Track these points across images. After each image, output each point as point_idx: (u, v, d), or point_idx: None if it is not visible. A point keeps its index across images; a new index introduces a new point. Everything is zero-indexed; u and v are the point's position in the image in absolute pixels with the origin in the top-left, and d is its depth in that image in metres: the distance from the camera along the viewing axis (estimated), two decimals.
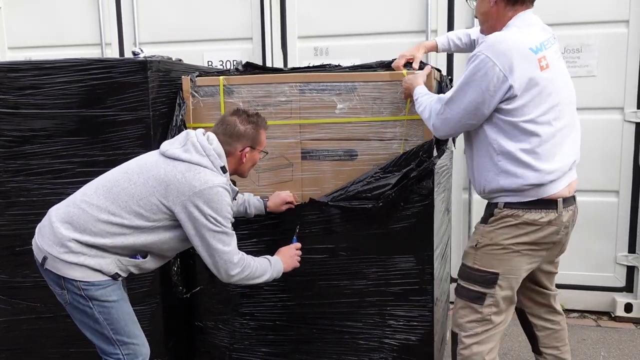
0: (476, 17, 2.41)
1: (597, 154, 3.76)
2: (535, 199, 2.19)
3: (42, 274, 2.20)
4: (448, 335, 3.53)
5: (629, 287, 3.94)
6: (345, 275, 2.69)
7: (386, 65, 2.68)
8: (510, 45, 2.08)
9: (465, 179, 4.03)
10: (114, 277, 2.15)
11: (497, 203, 2.26)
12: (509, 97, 2.09)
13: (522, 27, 2.18)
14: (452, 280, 4.09)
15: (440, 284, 2.90)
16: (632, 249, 3.90)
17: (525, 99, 2.09)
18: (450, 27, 3.95)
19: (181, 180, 2.08)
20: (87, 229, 2.08)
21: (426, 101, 2.32)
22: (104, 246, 2.09)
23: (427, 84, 2.50)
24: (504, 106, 2.12)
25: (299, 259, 2.45)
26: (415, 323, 2.65)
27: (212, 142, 2.19)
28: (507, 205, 2.22)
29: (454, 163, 3.70)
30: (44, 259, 2.11)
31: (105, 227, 2.08)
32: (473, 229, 2.42)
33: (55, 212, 2.17)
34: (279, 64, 4.22)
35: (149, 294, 2.74)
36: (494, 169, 2.21)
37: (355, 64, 2.81)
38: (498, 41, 2.10)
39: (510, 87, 2.07)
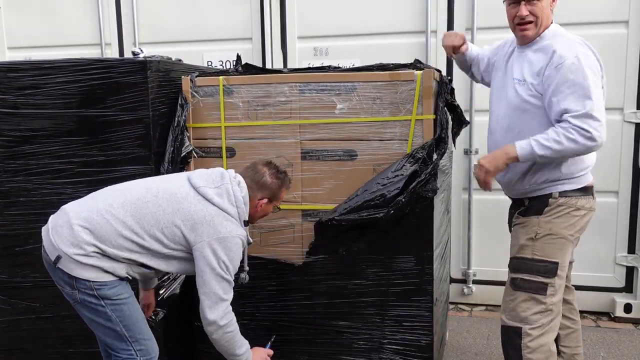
0: (525, 23, 2.37)
1: (597, 154, 3.75)
2: (584, 185, 2.37)
3: (50, 272, 2.20)
4: (447, 335, 3.53)
5: (628, 288, 3.94)
6: (345, 276, 2.69)
7: (386, 68, 2.67)
8: (587, 44, 2.33)
9: (465, 178, 4.03)
10: (123, 278, 2.20)
11: (550, 193, 2.36)
12: None
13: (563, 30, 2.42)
14: (452, 280, 4.10)
15: (440, 284, 2.90)
16: (631, 250, 3.90)
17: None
18: (450, 27, 3.95)
19: (210, 222, 2.16)
20: (108, 240, 2.12)
21: (551, 141, 2.25)
22: (119, 257, 2.14)
23: (427, 85, 2.50)
24: None
25: None
26: (414, 323, 2.64)
27: (242, 191, 2.27)
28: (562, 194, 2.34)
29: (454, 163, 3.70)
30: (58, 258, 2.11)
31: (124, 243, 2.13)
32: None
33: (75, 214, 2.16)
34: (278, 64, 4.22)
35: None
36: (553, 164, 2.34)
37: (355, 64, 2.81)
38: (580, 43, 2.32)
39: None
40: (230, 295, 2.21)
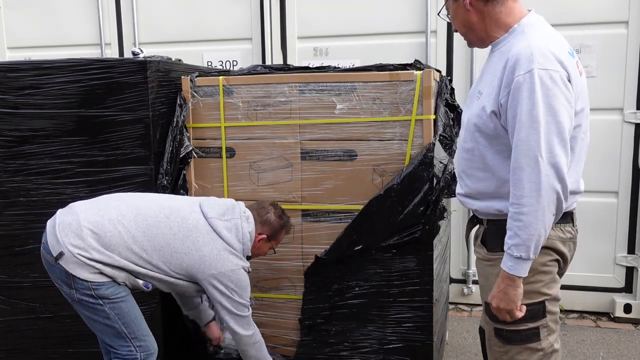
0: (455, 32, 2.05)
1: (597, 155, 3.76)
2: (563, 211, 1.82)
3: (48, 270, 2.20)
4: (447, 335, 3.53)
5: (628, 288, 3.94)
6: (345, 276, 2.69)
7: (385, 68, 2.67)
8: (552, 49, 1.75)
9: None
10: (121, 283, 2.22)
11: None
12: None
13: (539, 25, 1.86)
14: (452, 280, 4.10)
15: (440, 284, 2.90)
16: (631, 250, 3.90)
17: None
18: (450, 27, 3.94)
19: (216, 257, 2.22)
20: (116, 250, 2.14)
21: (515, 225, 1.74)
22: (123, 267, 2.16)
23: (427, 85, 2.50)
24: None
25: None
26: (414, 323, 2.64)
27: (250, 226, 2.34)
28: None
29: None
30: (60, 254, 2.11)
31: (132, 257, 2.16)
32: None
33: (85, 216, 2.17)
34: (278, 64, 4.22)
35: (148, 294, 2.73)
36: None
37: (355, 64, 2.81)
38: (537, 47, 1.73)
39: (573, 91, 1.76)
40: (249, 314, 2.33)
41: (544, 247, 1.81)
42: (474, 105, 1.93)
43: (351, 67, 2.78)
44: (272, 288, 2.82)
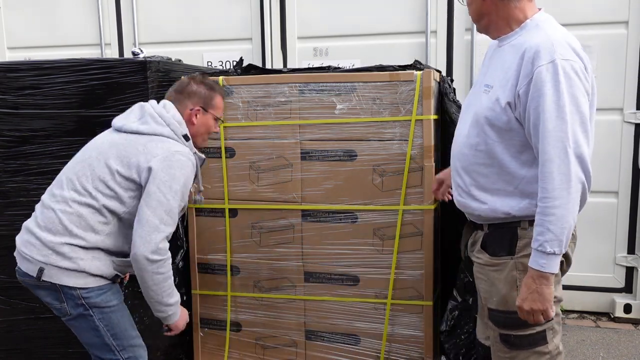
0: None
1: (597, 155, 3.72)
2: None
3: (37, 294, 2.13)
4: None
5: (628, 288, 3.94)
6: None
7: (385, 69, 2.67)
8: (569, 41, 1.77)
9: None
10: (114, 279, 2.13)
11: (518, 222, 1.87)
12: None
13: (552, 22, 1.88)
14: None
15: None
16: (631, 250, 3.90)
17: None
18: (450, 28, 3.96)
19: (143, 152, 2.01)
20: (66, 228, 2.01)
21: (549, 220, 1.71)
22: (93, 245, 2.03)
23: (427, 85, 2.50)
24: None
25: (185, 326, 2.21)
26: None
27: (170, 110, 2.13)
28: (533, 223, 1.78)
29: None
30: (40, 271, 2.02)
31: (77, 220, 2.01)
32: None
33: (32, 222, 2.10)
34: (278, 64, 4.22)
35: None
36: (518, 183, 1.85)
37: (355, 64, 2.81)
38: (557, 39, 1.75)
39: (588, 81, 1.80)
40: (168, 229, 1.98)
41: None
42: (482, 99, 1.90)
43: (351, 67, 2.78)
44: (272, 288, 2.82)
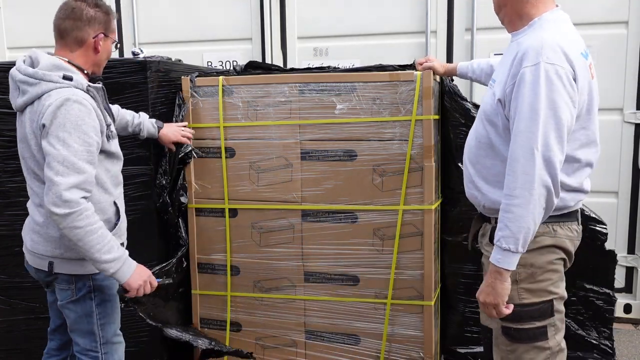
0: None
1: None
2: (568, 210, 1.90)
3: (46, 282, 2.18)
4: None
5: (628, 288, 3.94)
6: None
7: (385, 69, 2.68)
8: (562, 45, 1.76)
9: None
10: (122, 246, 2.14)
11: None
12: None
13: (559, 22, 1.88)
14: None
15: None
16: (631, 250, 3.90)
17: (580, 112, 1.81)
18: (450, 27, 3.95)
19: (36, 119, 1.96)
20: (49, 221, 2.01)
21: (506, 217, 1.76)
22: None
23: (427, 85, 2.50)
24: None
25: (145, 289, 2.10)
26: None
27: (39, 61, 2.01)
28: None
29: None
30: (50, 264, 2.07)
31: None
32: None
33: (30, 221, 2.14)
34: (278, 64, 4.21)
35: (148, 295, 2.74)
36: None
37: (355, 64, 2.81)
38: (548, 42, 1.75)
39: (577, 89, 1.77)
40: (65, 179, 1.86)
41: (553, 246, 1.86)
42: (487, 94, 1.97)
43: (351, 67, 2.79)
44: (272, 288, 2.82)
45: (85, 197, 1.91)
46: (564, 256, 1.91)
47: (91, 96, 2.00)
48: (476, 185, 1.99)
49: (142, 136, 2.54)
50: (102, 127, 2.02)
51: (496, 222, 1.91)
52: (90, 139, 1.93)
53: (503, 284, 1.79)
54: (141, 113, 2.55)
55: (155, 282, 2.13)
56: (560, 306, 1.92)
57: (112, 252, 1.95)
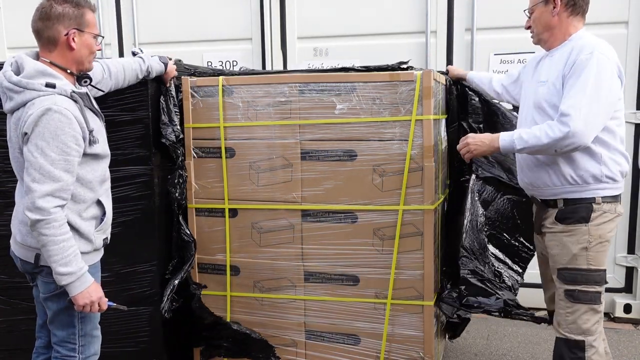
0: (528, 28, 2.52)
1: None
2: (621, 192, 2.40)
3: (31, 280, 2.19)
4: (447, 335, 3.52)
5: (628, 288, 3.94)
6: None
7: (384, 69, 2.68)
8: (609, 47, 2.32)
9: None
10: (105, 242, 2.20)
11: (593, 198, 2.32)
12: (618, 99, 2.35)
13: (590, 35, 2.40)
14: None
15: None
16: (631, 250, 3.90)
17: (621, 103, 2.42)
18: (450, 27, 3.95)
19: (21, 125, 1.98)
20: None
21: (529, 133, 2.30)
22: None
23: (427, 85, 2.50)
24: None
25: (93, 309, 2.09)
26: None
27: (23, 67, 2.00)
28: (604, 199, 2.33)
29: None
30: (37, 257, 2.08)
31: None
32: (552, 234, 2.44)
33: (17, 216, 2.16)
34: (278, 64, 4.23)
35: (148, 295, 2.74)
36: (594, 158, 2.33)
37: (355, 64, 2.81)
38: (599, 42, 2.30)
39: (621, 83, 2.35)
40: (42, 187, 1.92)
41: (616, 217, 2.37)
42: (539, 90, 2.41)
43: (351, 67, 2.79)
44: (272, 288, 2.82)
45: (60, 206, 1.97)
46: (614, 232, 2.39)
47: (75, 101, 2.02)
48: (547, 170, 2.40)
49: (152, 77, 2.59)
50: (85, 134, 2.04)
51: (565, 204, 2.38)
52: (69, 148, 1.97)
53: (490, 151, 2.43)
54: (143, 55, 2.57)
55: (105, 305, 2.13)
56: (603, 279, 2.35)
57: (68, 266, 1.99)
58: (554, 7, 2.38)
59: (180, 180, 2.75)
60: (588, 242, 2.31)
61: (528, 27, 2.52)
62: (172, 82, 2.72)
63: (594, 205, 2.33)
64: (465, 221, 2.80)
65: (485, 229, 2.88)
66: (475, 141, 2.43)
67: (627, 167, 2.41)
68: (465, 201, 2.86)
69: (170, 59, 2.69)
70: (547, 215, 2.45)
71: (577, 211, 2.35)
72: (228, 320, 2.87)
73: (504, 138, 2.36)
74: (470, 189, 2.87)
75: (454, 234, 2.84)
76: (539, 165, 2.43)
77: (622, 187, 2.42)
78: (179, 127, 2.73)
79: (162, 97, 2.69)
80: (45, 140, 1.93)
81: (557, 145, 2.23)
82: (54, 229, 1.95)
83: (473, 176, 2.89)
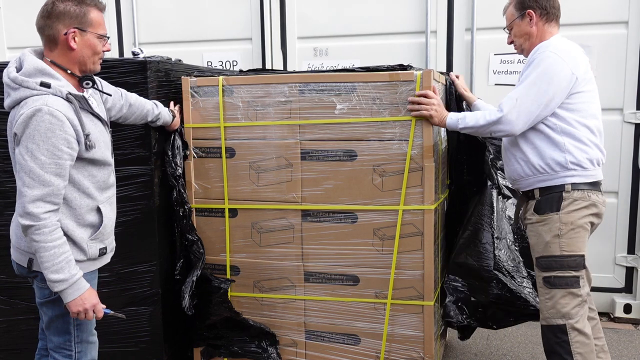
0: (511, 43, 2.67)
1: None
2: (595, 180, 2.45)
3: (28, 279, 2.17)
4: (447, 335, 3.52)
5: (628, 288, 3.94)
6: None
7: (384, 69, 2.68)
8: (570, 45, 2.46)
9: None
10: (102, 252, 2.14)
11: (562, 185, 2.43)
12: (574, 92, 2.41)
13: (561, 39, 2.52)
14: None
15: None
16: (631, 250, 3.90)
17: (585, 95, 2.44)
18: (450, 27, 3.95)
19: (12, 124, 1.96)
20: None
21: (472, 115, 2.51)
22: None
23: (427, 85, 2.51)
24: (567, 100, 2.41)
25: (88, 316, 2.04)
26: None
27: (23, 63, 1.96)
28: (574, 186, 2.43)
29: None
30: (30, 261, 2.05)
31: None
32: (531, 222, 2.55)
33: (15, 220, 2.14)
34: (278, 64, 4.22)
35: (148, 295, 2.74)
36: (557, 146, 2.43)
37: (355, 64, 2.82)
38: (555, 43, 2.45)
39: (576, 80, 2.40)
40: (32, 191, 1.90)
41: (590, 204, 2.43)
42: None
43: (351, 67, 2.79)
44: (272, 288, 2.82)
45: (50, 211, 1.93)
46: (593, 219, 2.47)
47: (71, 103, 1.96)
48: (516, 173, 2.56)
49: (157, 124, 2.60)
50: (79, 137, 1.98)
51: (540, 195, 2.49)
52: (60, 152, 1.91)
53: (438, 121, 2.51)
54: (157, 103, 2.59)
55: (100, 313, 2.07)
56: (586, 263, 2.45)
57: (60, 273, 1.94)
58: (531, 19, 2.54)
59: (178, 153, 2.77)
60: (559, 230, 2.43)
61: (511, 42, 2.67)
62: (176, 133, 2.75)
63: (564, 194, 2.44)
64: (493, 238, 2.83)
65: (516, 246, 2.90)
66: (435, 107, 2.48)
67: (600, 156, 2.47)
68: (475, 212, 2.87)
69: (174, 116, 2.70)
70: (528, 208, 2.57)
71: (549, 201, 2.46)
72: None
73: (451, 117, 2.52)
74: (487, 201, 2.87)
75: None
76: (513, 158, 2.56)
77: (597, 176, 2.47)
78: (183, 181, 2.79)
79: (168, 149, 2.73)
80: (36, 142, 1.88)
81: (490, 128, 2.44)
82: (44, 235, 1.91)
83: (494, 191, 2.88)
